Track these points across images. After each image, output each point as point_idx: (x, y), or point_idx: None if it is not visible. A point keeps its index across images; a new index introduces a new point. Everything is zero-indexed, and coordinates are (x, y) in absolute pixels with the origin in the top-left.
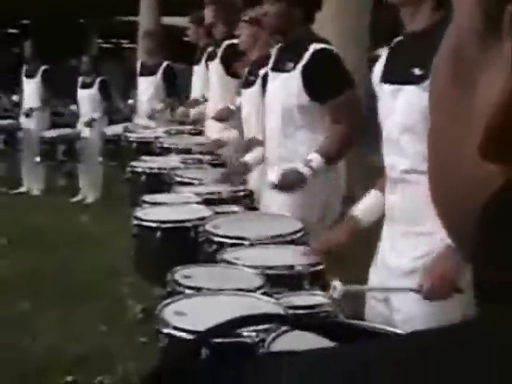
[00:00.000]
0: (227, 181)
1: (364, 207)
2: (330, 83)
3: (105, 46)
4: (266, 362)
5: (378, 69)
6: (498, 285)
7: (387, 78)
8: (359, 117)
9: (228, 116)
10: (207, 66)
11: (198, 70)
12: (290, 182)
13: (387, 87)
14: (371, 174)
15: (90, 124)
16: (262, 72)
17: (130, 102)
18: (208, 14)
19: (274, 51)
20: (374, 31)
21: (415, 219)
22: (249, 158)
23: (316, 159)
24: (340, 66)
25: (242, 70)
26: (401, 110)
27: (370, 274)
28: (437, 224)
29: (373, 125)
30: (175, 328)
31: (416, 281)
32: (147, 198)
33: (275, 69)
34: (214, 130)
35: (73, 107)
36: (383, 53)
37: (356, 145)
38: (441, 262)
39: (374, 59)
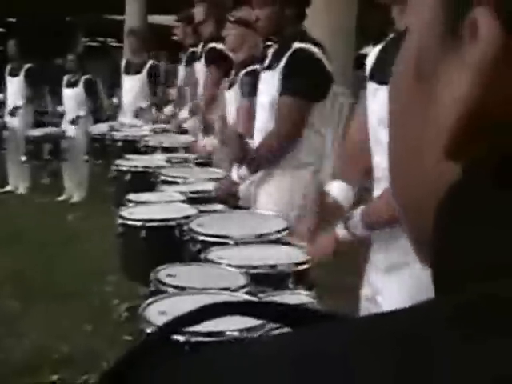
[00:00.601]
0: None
1: (335, 191)
2: (289, 79)
3: (91, 44)
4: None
5: (368, 66)
6: (454, 280)
7: (373, 76)
8: (290, 130)
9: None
10: (190, 67)
11: (182, 69)
12: (224, 191)
13: (371, 85)
14: None
15: (75, 122)
16: (242, 72)
17: (115, 100)
18: (198, 11)
19: (269, 52)
20: (361, 29)
21: None
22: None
23: (242, 171)
24: (312, 70)
25: (217, 74)
26: (378, 108)
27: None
28: None
29: None
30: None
31: (401, 276)
32: (132, 196)
33: (267, 68)
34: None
35: (58, 106)
36: (375, 50)
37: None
38: None
39: (360, 57)
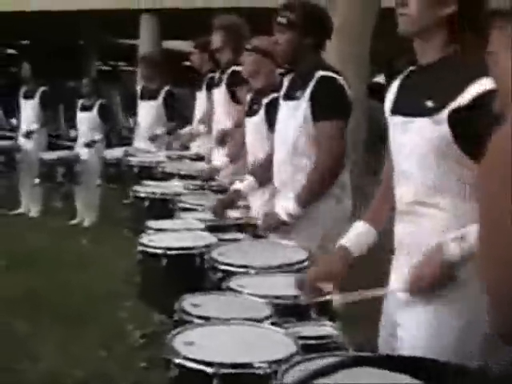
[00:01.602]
0: (218, 213)
1: (353, 237)
2: (325, 106)
3: (103, 68)
4: None
5: (389, 99)
6: None
7: (398, 109)
8: (342, 149)
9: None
10: (210, 93)
11: (200, 96)
12: (269, 225)
13: (398, 119)
14: None
15: (90, 145)
16: (265, 100)
17: (129, 125)
18: (216, 38)
19: (286, 80)
20: (372, 58)
21: (420, 252)
22: (241, 185)
23: (292, 206)
24: (340, 95)
25: (244, 96)
26: (411, 142)
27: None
28: None
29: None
30: (186, 358)
31: (421, 312)
32: (151, 223)
33: (286, 97)
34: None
35: (71, 129)
36: (394, 83)
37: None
38: (428, 260)
39: (372, 86)
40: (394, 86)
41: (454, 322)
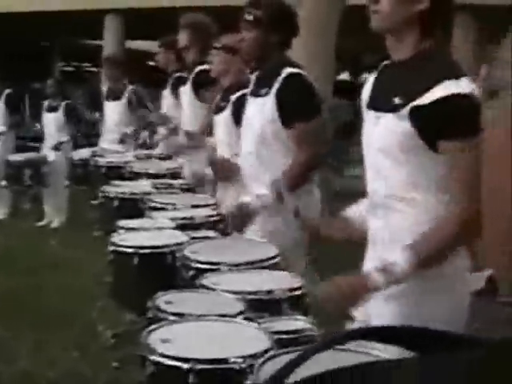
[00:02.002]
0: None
1: (355, 212)
2: (296, 109)
3: (68, 69)
4: None
5: (365, 94)
6: None
7: (371, 104)
8: (323, 143)
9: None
10: (176, 92)
11: (166, 95)
12: (240, 217)
13: (371, 113)
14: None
15: (57, 148)
16: (233, 97)
17: (96, 125)
18: (182, 37)
19: (253, 77)
20: (338, 55)
21: (393, 246)
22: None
23: (267, 195)
24: (310, 91)
25: (211, 95)
26: (380, 136)
27: None
28: None
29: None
30: (162, 355)
31: (397, 305)
32: (122, 223)
33: (253, 94)
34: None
35: (38, 131)
36: (370, 78)
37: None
38: (357, 281)
39: (337, 83)
40: (371, 80)
41: (430, 314)
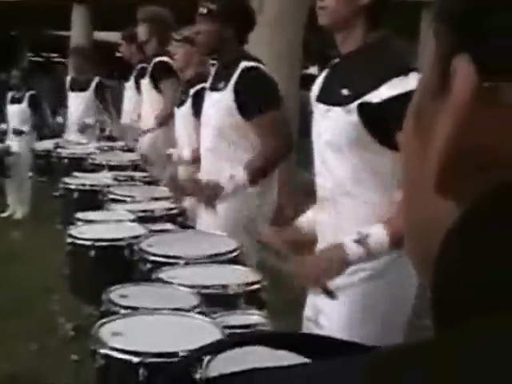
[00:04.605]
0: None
1: (307, 220)
2: (256, 100)
3: (35, 59)
4: None
5: (316, 88)
6: (457, 311)
7: (321, 97)
8: (286, 135)
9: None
10: (138, 83)
11: (129, 87)
12: (209, 194)
13: (320, 107)
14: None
15: (17, 133)
16: (192, 91)
17: (59, 117)
18: (141, 30)
19: (212, 71)
20: (305, 50)
21: (339, 240)
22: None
23: (239, 175)
24: (267, 84)
25: (169, 87)
26: (328, 130)
27: None
28: None
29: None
30: (112, 348)
31: (343, 298)
32: (81, 215)
33: (211, 88)
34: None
35: (1, 122)
36: (322, 73)
37: (284, 162)
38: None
39: (305, 77)
40: (322, 75)
41: (377, 309)
